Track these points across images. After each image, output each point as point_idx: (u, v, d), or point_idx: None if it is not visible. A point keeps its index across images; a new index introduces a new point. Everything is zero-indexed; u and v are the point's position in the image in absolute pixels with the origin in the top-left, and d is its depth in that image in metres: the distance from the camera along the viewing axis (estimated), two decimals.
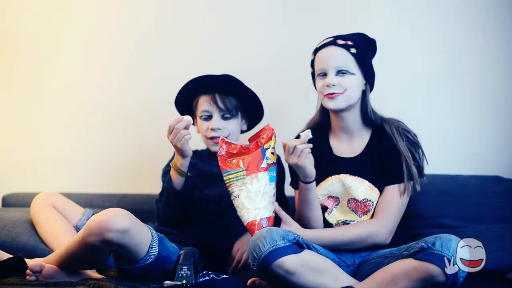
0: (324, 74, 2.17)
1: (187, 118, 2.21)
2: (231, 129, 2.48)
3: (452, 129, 2.79)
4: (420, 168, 2.16)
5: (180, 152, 2.26)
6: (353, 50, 2.14)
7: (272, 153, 2.09)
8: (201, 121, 2.50)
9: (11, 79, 3.08)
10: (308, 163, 2.04)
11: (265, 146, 2.09)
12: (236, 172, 2.08)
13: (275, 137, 2.11)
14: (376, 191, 2.16)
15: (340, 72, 2.14)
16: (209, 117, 2.49)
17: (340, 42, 2.15)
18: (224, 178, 2.11)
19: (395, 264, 1.95)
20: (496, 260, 2.31)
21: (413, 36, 2.83)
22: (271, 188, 2.09)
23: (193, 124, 2.58)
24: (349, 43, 2.15)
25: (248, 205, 2.05)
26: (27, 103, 3.06)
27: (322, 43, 2.20)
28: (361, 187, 2.17)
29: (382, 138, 2.19)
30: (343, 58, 2.14)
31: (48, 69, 3.06)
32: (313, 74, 2.24)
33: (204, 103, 2.49)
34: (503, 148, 2.75)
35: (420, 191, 2.31)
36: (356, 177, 2.18)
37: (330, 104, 2.16)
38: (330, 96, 2.14)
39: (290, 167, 2.27)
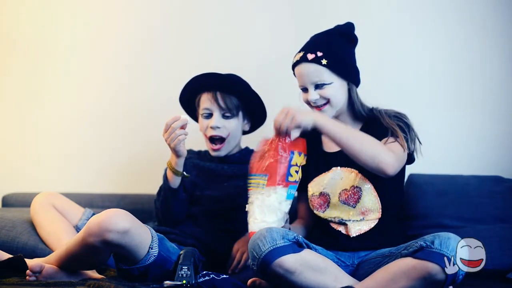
0: (305, 89, 2.21)
1: (184, 117, 2.22)
2: (231, 128, 2.48)
3: (452, 129, 2.79)
4: (403, 130, 2.14)
5: (174, 151, 2.26)
6: (324, 61, 2.15)
7: (296, 171, 2.07)
8: (202, 119, 2.50)
9: (11, 79, 3.08)
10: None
11: (292, 162, 2.06)
12: (259, 178, 2.07)
13: (306, 156, 2.10)
14: (362, 177, 2.15)
15: (318, 86, 2.17)
16: (209, 115, 2.49)
17: (310, 57, 2.16)
18: (248, 181, 2.10)
19: (394, 263, 1.95)
20: (496, 260, 2.31)
21: (415, 36, 2.83)
22: (287, 205, 2.08)
23: (196, 121, 2.58)
24: (319, 54, 2.15)
25: (258, 216, 2.05)
26: (28, 103, 3.07)
27: (295, 59, 2.22)
28: (349, 176, 2.17)
29: (370, 128, 2.19)
30: (316, 72, 2.16)
31: (49, 69, 3.06)
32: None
33: (205, 101, 2.48)
34: (503, 148, 2.75)
35: (420, 191, 2.31)
36: (344, 167, 2.19)
37: None
38: (318, 109, 2.19)
39: None
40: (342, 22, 2.26)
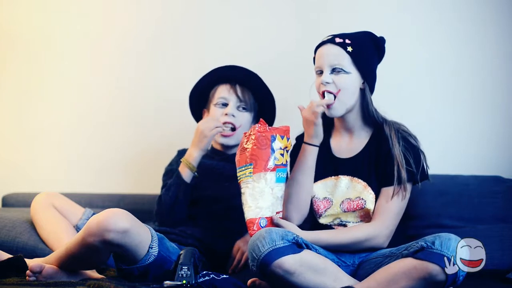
0: (321, 72, 2.17)
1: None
2: (243, 122, 2.50)
3: (452, 129, 2.79)
4: (412, 173, 2.13)
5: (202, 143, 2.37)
6: (350, 49, 2.13)
7: (282, 154, 2.08)
8: (217, 108, 2.51)
9: (11, 79, 3.08)
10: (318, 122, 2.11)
11: (275, 146, 2.08)
12: (245, 169, 2.08)
13: (288, 139, 2.11)
14: (369, 190, 2.15)
15: (334, 71, 2.14)
16: (225, 105, 2.50)
17: (338, 40, 2.15)
18: (237, 175, 2.11)
19: (395, 263, 1.95)
20: (496, 260, 2.31)
21: (416, 36, 2.83)
22: (278, 189, 2.09)
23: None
24: (347, 41, 2.14)
25: (251, 203, 2.06)
26: (27, 103, 3.06)
27: (322, 40, 2.20)
28: (356, 187, 2.17)
29: (381, 139, 2.19)
30: (338, 56, 2.13)
31: (48, 69, 3.06)
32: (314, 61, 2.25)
33: (223, 91, 2.51)
34: (503, 148, 2.75)
35: (420, 191, 2.31)
36: (351, 177, 2.18)
37: (328, 113, 2.16)
38: (328, 106, 2.13)
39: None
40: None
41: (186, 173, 2.37)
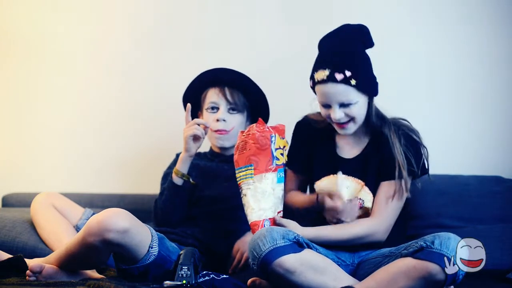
0: (328, 106, 2.12)
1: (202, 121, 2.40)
2: (235, 124, 2.49)
3: (452, 129, 2.79)
4: (412, 171, 2.13)
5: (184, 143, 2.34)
6: (353, 82, 2.06)
7: (282, 154, 2.09)
8: (208, 113, 2.51)
9: (11, 79, 3.08)
10: None
11: (275, 146, 2.09)
12: (245, 170, 2.08)
13: (284, 138, 2.12)
14: (367, 190, 2.15)
15: (343, 105, 2.10)
16: (215, 109, 2.50)
17: (339, 77, 2.06)
18: (236, 176, 2.11)
19: (394, 263, 1.95)
20: (496, 260, 2.31)
21: (416, 36, 2.83)
22: (279, 190, 2.10)
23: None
24: (348, 74, 2.05)
25: (254, 205, 2.06)
26: (27, 103, 3.06)
27: (319, 77, 2.09)
28: (356, 187, 2.16)
29: (382, 140, 2.18)
30: (345, 93, 2.07)
31: (48, 69, 3.06)
32: (314, 90, 2.18)
33: (212, 95, 2.50)
34: (503, 148, 2.76)
35: (420, 191, 2.31)
36: (351, 177, 2.18)
37: (341, 132, 2.16)
38: (340, 126, 2.13)
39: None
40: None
41: (176, 178, 2.37)
